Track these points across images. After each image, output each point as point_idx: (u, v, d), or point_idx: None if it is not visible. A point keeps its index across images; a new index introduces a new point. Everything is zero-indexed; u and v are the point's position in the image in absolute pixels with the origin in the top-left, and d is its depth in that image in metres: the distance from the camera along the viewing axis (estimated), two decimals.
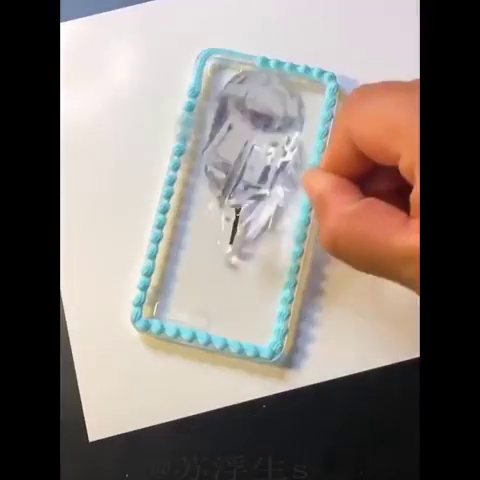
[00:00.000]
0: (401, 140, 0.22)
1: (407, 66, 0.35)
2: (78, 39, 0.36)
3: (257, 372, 0.32)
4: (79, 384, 0.32)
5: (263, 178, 0.32)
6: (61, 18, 0.36)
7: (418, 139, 0.21)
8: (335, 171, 0.26)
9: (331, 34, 0.36)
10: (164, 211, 0.33)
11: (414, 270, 0.21)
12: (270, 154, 0.32)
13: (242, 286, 0.33)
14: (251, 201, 0.33)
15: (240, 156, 0.32)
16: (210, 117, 0.34)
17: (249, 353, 0.31)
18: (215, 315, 0.33)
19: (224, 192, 0.33)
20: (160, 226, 0.33)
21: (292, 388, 0.32)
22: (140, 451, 0.32)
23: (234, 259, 0.33)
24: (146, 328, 0.32)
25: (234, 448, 0.32)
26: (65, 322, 0.33)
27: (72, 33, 0.36)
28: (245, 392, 0.32)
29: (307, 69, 0.34)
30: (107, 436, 0.32)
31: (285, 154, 0.33)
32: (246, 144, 0.32)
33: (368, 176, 0.26)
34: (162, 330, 0.32)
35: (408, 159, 0.22)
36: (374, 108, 0.23)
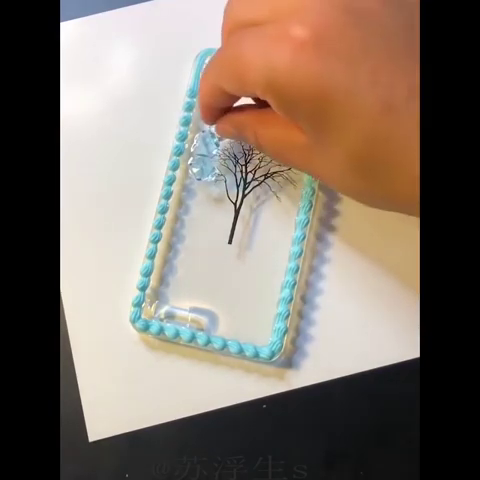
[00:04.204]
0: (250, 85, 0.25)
1: None
2: (78, 39, 0.36)
3: (257, 372, 0.32)
4: (79, 384, 0.32)
5: None
6: (61, 18, 0.36)
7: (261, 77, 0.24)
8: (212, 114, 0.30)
9: None
10: (163, 211, 0.33)
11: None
12: None
13: (241, 285, 0.33)
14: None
15: None
16: None
17: (248, 353, 0.31)
18: (214, 315, 0.33)
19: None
20: (159, 226, 0.33)
21: (292, 388, 0.32)
22: (140, 451, 0.32)
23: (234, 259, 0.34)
24: (145, 328, 0.32)
25: (234, 448, 0.32)
26: (65, 322, 0.33)
27: (72, 33, 0.36)
28: (245, 392, 0.32)
29: None
30: (107, 436, 0.32)
31: None
32: None
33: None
34: (161, 330, 0.32)
35: (259, 92, 0.25)
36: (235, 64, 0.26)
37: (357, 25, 0.23)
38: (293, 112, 0.25)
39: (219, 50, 0.28)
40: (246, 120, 0.29)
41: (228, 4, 0.27)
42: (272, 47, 0.24)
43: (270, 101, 0.25)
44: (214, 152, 0.34)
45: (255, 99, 0.30)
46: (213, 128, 0.34)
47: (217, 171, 0.34)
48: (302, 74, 0.23)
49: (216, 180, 0.34)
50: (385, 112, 0.23)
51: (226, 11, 0.27)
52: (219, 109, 0.30)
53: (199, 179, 0.34)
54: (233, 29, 0.27)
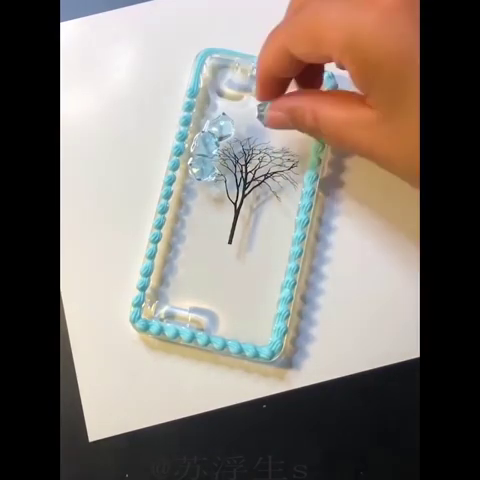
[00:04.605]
0: (327, 45, 0.25)
1: None
2: (78, 39, 0.36)
3: (257, 372, 0.32)
4: (79, 384, 0.32)
5: None
6: (61, 18, 0.36)
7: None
8: (270, 85, 0.29)
9: None
10: (163, 211, 0.33)
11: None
12: None
13: (241, 285, 0.33)
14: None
15: None
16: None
17: (248, 353, 0.31)
18: (214, 315, 0.33)
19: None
20: (159, 226, 0.33)
21: (292, 388, 0.32)
22: (140, 451, 0.32)
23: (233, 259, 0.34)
24: (145, 328, 0.32)
25: (234, 448, 0.32)
26: (65, 322, 0.33)
27: (72, 33, 0.36)
28: (245, 392, 0.32)
29: None
30: (107, 436, 0.32)
31: None
32: None
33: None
34: (161, 330, 0.32)
35: (337, 54, 0.25)
36: (307, 22, 0.25)
37: None
38: (372, 77, 0.24)
39: (291, 10, 0.26)
40: (303, 102, 0.28)
41: None
42: (357, 8, 0.23)
43: (348, 64, 0.24)
44: (214, 152, 0.34)
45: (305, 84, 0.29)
46: (213, 128, 0.34)
47: (217, 171, 0.34)
48: (389, 33, 0.23)
49: (216, 180, 0.34)
50: None
51: None
52: (278, 81, 0.29)
53: (199, 179, 0.34)
54: None
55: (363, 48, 0.23)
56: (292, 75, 0.29)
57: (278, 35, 0.27)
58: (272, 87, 0.29)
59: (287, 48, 0.26)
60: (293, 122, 0.29)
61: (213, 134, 0.34)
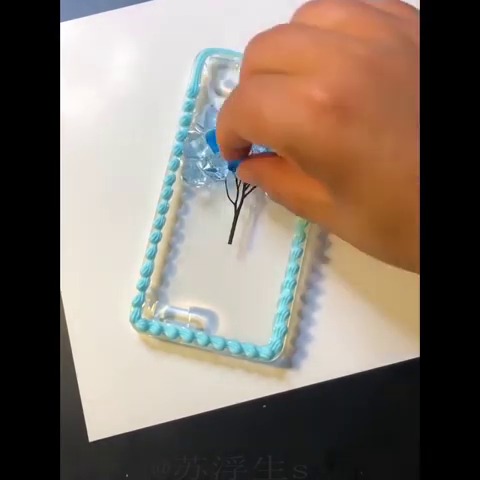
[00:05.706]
0: (269, 143, 0.26)
1: None
2: (78, 39, 0.36)
3: (257, 372, 0.32)
4: (79, 384, 0.32)
5: None
6: (61, 18, 0.36)
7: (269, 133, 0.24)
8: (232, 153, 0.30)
9: None
10: (163, 211, 0.33)
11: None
12: None
13: (242, 285, 0.33)
14: None
15: None
16: None
17: (248, 353, 0.31)
18: (214, 315, 0.33)
19: None
20: (159, 226, 0.33)
21: (292, 388, 0.32)
22: (140, 451, 0.32)
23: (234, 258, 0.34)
24: (145, 328, 0.32)
25: (234, 448, 0.32)
26: (65, 322, 0.33)
27: (72, 33, 0.36)
28: (245, 392, 0.32)
29: None
30: (107, 436, 0.32)
31: None
32: None
33: None
34: (161, 330, 0.32)
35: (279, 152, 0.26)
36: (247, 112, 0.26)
37: (381, 89, 0.22)
38: (314, 174, 0.25)
39: (236, 93, 0.27)
40: (264, 173, 0.29)
41: (248, 48, 0.26)
42: (292, 107, 0.23)
43: (290, 160, 0.25)
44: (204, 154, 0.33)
45: None
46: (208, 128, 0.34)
47: (204, 181, 0.33)
48: (323, 139, 0.22)
49: (217, 181, 0.34)
50: (410, 181, 0.22)
51: (246, 53, 0.27)
52: (238, 149, 0.30)
53: (185, 179, 0.34)
54: (252, 74, 0.26)
55: (300, 151, 0.23)
56: (250, 145, 0.30)
57: (225, 118, 0.28)
58: (234, 154, 0.30)
59: (235, 131, 0.27)
60: (258, 185, 0.31)
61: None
